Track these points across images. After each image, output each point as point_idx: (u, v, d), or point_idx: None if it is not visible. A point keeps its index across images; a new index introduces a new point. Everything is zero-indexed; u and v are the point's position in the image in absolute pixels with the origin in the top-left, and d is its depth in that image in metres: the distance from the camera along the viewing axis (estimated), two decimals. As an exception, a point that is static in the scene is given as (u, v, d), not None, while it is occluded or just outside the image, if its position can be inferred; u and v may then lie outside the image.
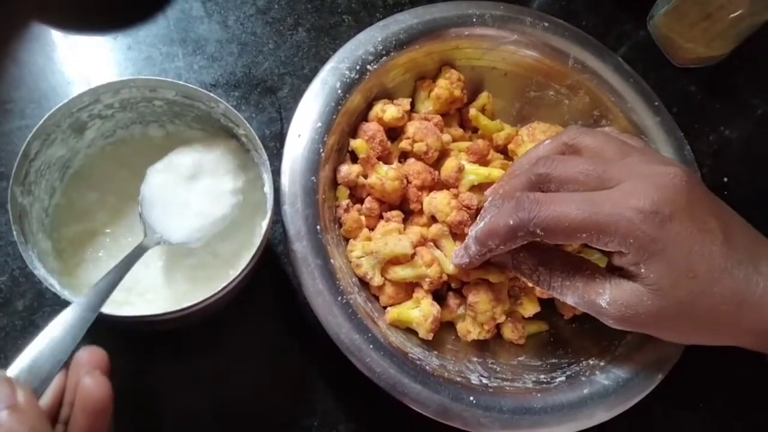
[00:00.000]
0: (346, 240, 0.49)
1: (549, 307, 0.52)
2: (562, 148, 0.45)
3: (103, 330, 0.46)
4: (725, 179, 0.62)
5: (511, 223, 0.40)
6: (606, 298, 0.40)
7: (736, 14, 0.58)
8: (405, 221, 0.51)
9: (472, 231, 0.44)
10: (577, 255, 0.45)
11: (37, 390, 0.31)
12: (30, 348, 0.32)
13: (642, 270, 0.39)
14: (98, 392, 0.31)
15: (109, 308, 0.37)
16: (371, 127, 0.50)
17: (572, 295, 0.42)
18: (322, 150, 0.47)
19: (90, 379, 0.31)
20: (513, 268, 0.45)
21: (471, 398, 0.42)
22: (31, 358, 0.31)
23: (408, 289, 0.48)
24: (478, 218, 0.46)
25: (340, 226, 0.49)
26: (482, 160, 0.52)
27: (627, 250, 0.38)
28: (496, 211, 0.43)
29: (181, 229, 0.42)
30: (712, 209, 0.40)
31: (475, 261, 0.45)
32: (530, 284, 0.46)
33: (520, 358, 0.49)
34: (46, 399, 0.32)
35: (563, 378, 0.45)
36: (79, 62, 0.56)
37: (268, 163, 0.42)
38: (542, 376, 0.46)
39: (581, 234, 0.39)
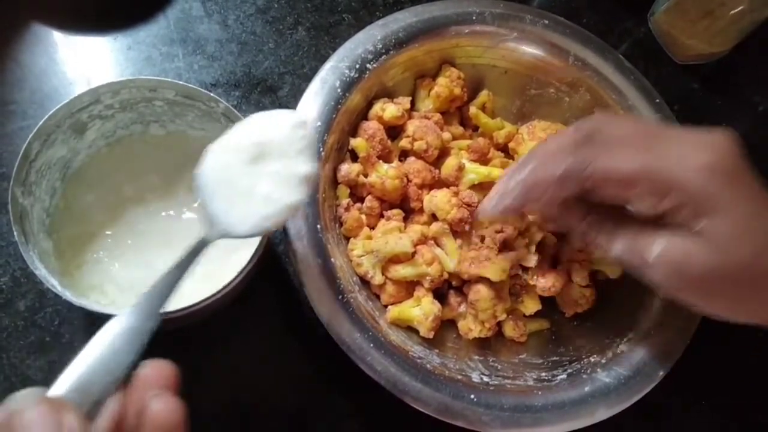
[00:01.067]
0: (347, 239, 0.49)
1: (550, 305, 0.52)
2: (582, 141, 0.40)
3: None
4: (727, 176, 0.62)
5: (565, 167, 0.38)
6: (657, 250, 0.38)
7: (736, 11, 0.58)
8: (405, 220, 0.51)
9: (507, 178, 0.42)
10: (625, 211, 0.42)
11: (89, 413, 0.25)
12: (77, 362, 0.26)
13: (702, 225, 0.36)
14: (171, 418, 0.26)
15: (111, 310, 0.37)
16: (371, 126, 0.50)
17: (622, 245, 0.39)
18: (322, 149, 0.47)
19: (160, 404, 0.26)
20: (558, 219, 0.43)
21: (472, 396, 0.42)
22: (80, 375, 0.26)
23: (409, 287, 0.48)
24: (514, 165, 0.43)
25: (341, 225, 0.49)
26: (483, 159, 0.52)
27: (687, 203, 0.36)
28: (535, 163, 0.40)
29: (247, 219, 0.35)
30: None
31: (516, 208, 0.42)
32: (573, 238, 0.44)
33: (521, 356, 0.49)
34: (103, 424, 0.26)
35: (564, 376, 0.45)
36: (80, 63, 0.56)
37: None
38: (543, 374, 0.46)
39: (638, 184, 0.37)
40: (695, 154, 0.37)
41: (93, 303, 0.42)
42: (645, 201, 0.37)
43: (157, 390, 0.27)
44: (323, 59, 0.51)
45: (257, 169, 0.36)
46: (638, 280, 0.40)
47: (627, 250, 0.39)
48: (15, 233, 0.37)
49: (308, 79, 0.49)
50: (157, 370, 0.28)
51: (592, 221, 0.41)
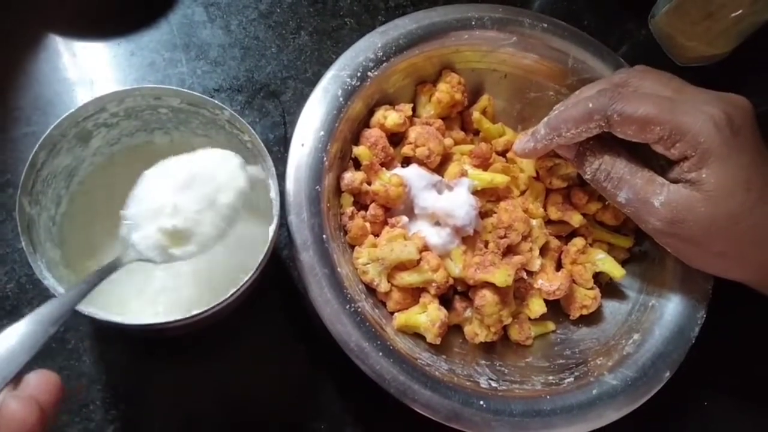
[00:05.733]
0: (352, 247, 0.49)
1: (555, 308, 0.52)
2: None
3: (110, 336, 0.47)
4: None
5: (591, 106, 0.43)
6: (661, 198, 0.42)
7: (736, 13, 0.58)
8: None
9: (544, 119, 0.47)
10: (639, 158, 0.46)
11: None
12: None
13: (703, 175, 0.40)
14: (22, 416, 0.27)
15: (117, 316, 0.37)
16: (373, 134, 0.50)
17: (628, 191, 0.43)
18: (325, 158, 0.47)
19: (15, 402, 0.27)
20: (575, 158, 0.46)
21: (481, 402, 0.42)
22: None
23: (415, 294, 0.48)
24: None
25: (346, 233, 0.49)
26: (485, 164, 0.52)
27: (693, 153, 0.40)
28: (569, 102, 0.46)
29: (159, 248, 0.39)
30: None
31: (540, 147, 0.47)
32: (586, 177, 0.47)
33: (527, 360, 0.49)
34: None
35: (572, 379, 0.46)
36: (84, 69, 0.56)
37: (273, 169, 0.42)
38: (551, 378, 0.46)
39: (655, 127, 0.41)
40: (707, 107, 0.41)
41: (100, 311, 0.42)
42: (659, 145, 0.42)
43: (16, 393, 0.28)
44: (326, 63, 0.51)
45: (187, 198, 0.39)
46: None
47: (632, 197, 0.43)
48: (23, 243, 0.37)
49: (311, 83, 0.50)
50: (43, 378, 0.29)
51: (607, 162, 0.45)
